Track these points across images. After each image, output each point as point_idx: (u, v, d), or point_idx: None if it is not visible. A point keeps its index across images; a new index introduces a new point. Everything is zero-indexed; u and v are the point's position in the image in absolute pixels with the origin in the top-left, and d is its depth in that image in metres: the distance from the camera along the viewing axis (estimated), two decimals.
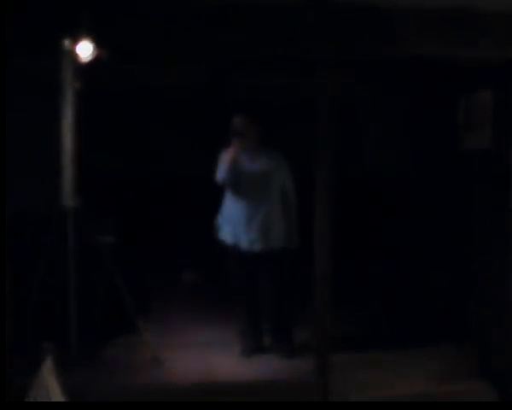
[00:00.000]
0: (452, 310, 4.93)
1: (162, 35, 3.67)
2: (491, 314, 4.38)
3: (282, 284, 4.41)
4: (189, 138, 6.35)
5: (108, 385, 3.82)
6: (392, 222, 5.90)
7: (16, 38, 3.38)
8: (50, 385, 3.04)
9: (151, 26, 3.61)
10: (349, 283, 5.48)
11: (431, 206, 5.44)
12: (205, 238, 4.95)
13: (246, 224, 4.32)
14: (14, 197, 3.32)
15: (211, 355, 4.39)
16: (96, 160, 5.22)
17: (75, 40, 3.79)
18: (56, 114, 4.04)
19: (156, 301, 5.49)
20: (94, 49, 3.88)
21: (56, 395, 3.06)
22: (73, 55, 3.89)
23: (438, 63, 4.62)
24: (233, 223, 4.37)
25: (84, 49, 3.89)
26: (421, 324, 4.99)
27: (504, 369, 4.12)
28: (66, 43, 3.83)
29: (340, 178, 4.01)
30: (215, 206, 4.55)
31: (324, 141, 3.84)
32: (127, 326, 4.29)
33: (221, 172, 4.29)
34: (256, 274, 4.41)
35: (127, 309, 4.13)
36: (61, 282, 4.03)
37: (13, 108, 3.31)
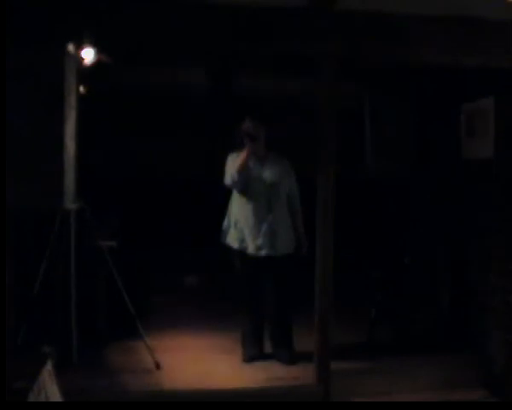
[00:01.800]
0: (453, 316, 4.93)
1: (162, 35, 3.67)
2: (491, 321, 4.38)
3: (287, 290, 4.39)
4: (191, 140, 6.36)
5: (108, 389, 3.81)
6: (393, 227, 5.89)
7: (16, 37, 3.38)
8: (50, 389, 3.04)
9: (152, 25, 3.61)
10: (349, 287, 5.46)
11: (432, 211, 5.44)
12: (206, 242, 4.95)
13: (253, 229, 4.30)
14: (14, 197, 3.31)
15: (211, 360, 4.38)
16: (98, 163, 5.22)
17: (77, 43, 3.80)
18: (58, 114, 4.03)
19: (157, 304, 5.50)
20: (96, 53, 3.89)
21: (56, 398, 3.06)
22: (76, 59, 3.90)
23: (441, 69, 4.62)
24: (240, 228, 4.35)
25: (87, 53, 3.90)
26: (421, 331, 4.99)
27: (504, 376, 4.12)
28: (70, 47, 3.83)
29: (341, 182, 4.01)
30: (217, 208, 4.55)
31: (325, 144, 3.85)
32: (128, 330, 4.29)
33: (231, 176, 4.25)
34: (261, 280, 4.39)
35: (128, 313, 4.13)
36: (63, 285, 4.02)
37: (13, 107, 3.31)
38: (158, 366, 4.14)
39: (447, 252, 5.13)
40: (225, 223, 4.47)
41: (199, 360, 4.39)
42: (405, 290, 5.42)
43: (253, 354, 4.38)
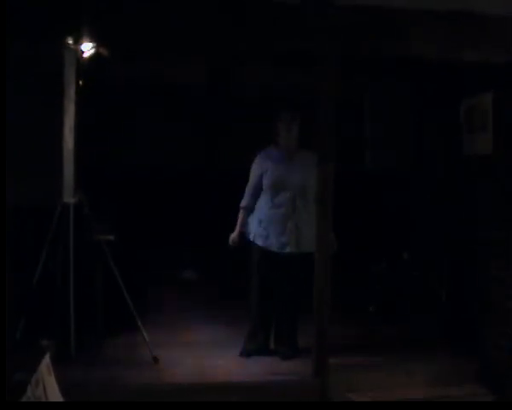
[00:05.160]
0: (452, 313, 4.93)
1: (163, 31, 3.67)
2: (490, 317, 4.38)
3: (299, 290, 4.33)
4: (190, 137, 6.35)
5: (107, 384, 3.79)
6: (393, 223, 5.90)
7: (16, 36, 3.38)
8: (48, 383, 3.04)
9: (152, 25, 3.61)
10: (348, 283, 5.47)
11: (431, 207, 5.44)
12: (205, 237, 4.93)
13: (278, 227, 4.26)
14: (13, 194, 3.31)
15: (210, 355, 4.37)
16: (96, 157, 5.21)
17: (76, 38, 3.79)
18: (57, 110, 4.04)
19: (156, 299, 5.49)
20: (94, 46, 3.89)
21: (54, 393, 3.06)
22: (76, 53, 3.90)
23: (440, 65, 4.62)
24: (265, 226, 4.30)
25: (85, 47, 3.90)
26: (420, 327, 5.00)
27: (503, 373, 4.12)
28: (69, 40, 3.83)
29: (341, 179, 4.01)
30: (215, 205, 4.54)
31: (325, 142, 3.84)
32: (126, 325, 4.29)
33: (242, 203, 4.36)
34: (274, 278, 4.33)
35: (126, 308, 4.13)
36: (61, 280, 4.02)
37: (13, 104, 3.31)
38: (156, 360, 4.15)
39: (446, 249, 5.13)
40: (249, 218, 4.41)
41: (197, 354, 4.38)
42: (404, 286, 5.44)
43: (250, 349, 4.37)
